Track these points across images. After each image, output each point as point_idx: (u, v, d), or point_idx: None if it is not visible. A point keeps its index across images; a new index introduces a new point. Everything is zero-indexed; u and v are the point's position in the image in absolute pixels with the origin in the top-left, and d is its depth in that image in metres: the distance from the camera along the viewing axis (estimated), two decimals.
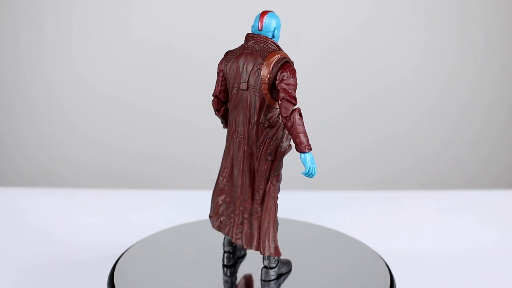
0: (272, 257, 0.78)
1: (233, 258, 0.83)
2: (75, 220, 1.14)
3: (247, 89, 0.75)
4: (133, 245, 0.90)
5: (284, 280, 0.80)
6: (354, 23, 1.50)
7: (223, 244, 0.83)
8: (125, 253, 0.87)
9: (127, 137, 1.53)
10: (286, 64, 0.74)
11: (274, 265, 0.78)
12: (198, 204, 1.12)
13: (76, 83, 1.50)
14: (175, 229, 0.97)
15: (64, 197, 1.27)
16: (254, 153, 0.76)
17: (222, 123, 0.83)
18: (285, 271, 0.81)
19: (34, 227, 1.10)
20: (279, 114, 0.75)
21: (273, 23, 0.76)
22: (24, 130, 1.53)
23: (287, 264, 0.82)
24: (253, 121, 0.75)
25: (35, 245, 1.02)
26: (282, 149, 0.77)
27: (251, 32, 0.77)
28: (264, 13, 0.76)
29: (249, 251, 0.86)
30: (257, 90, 0.74)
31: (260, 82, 0.74)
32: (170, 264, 0.84)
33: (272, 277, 0.79)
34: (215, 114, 0.81)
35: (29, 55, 1.48)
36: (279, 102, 0.72)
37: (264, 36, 0.75)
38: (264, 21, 0.76)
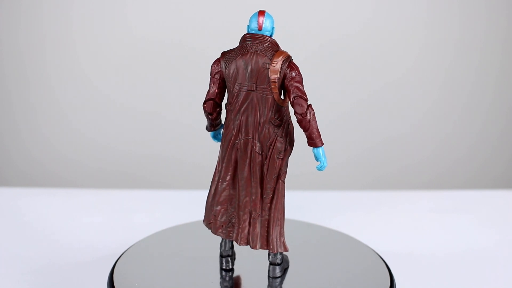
0: (278, 253, 0.79)
1: (231, 262, 0.83)
2: (75, 220, 1.14)
3: (256, 89, 0.75)
4: (133, 245, 0.90)
5: (284, 280, 0.80)
6: (355, 23, 1.50)
7: (222, 249, 0.82)
8: (125, 253, 0.87)
9: (127, 137, 1.53)
10: (291, 62, 0.75)
11: (280, 261, 0.80)
12: (198, 204, 1.12)
13: (76, 83, 1.50)
14: (175, 229, 0.97)
15: (64, 197, 1.27)
16: (264, 152, 0.76)
17: (211, 126, 0.82)
18: (286, 266, 0.83)
19: (34, 227, 1.10)
20: (284, 112, 0.77)
21: (270, 22, 0.77)
22: (24, 130, 1.53)
23: (286, 260, 0.83)
24: (262, 121, 0.76)
25: (35, 245, 1.02)
26: (290, 147, 0.78)
27: (247, 32, 0.77)
28: (261, 13, 0.77)
29: (239, 252, 0.86)
30: (267, 90, 0.75)
31: (270, 82, 0.74)
32: (169, 264, 0.84)
33: (279, 274, 0.80)
34: (208, 117, 0.80)
35: (29, 55, 1.48)
36: (293, 100, 0.74)
37: (265, 36, 0.76)
38: (263, 21, 0.76)
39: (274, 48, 0.76)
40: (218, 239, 0.85)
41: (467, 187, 1.56)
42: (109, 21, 1.48)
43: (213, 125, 0.81)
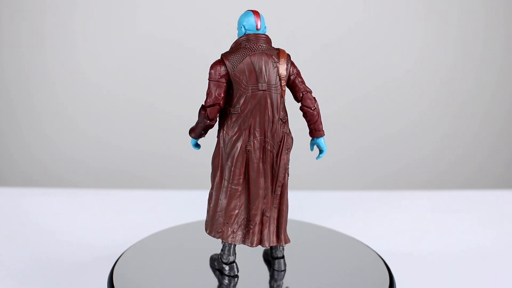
0: (282, 247, 0.81)
1: (237, 268, 0.81)
2: (75, 220, 1.14)
3: (266, 89, 0.75)
4: (133, 245, 0.90)
5: (283, 280, 0.80)
6: (350, 22, 1.50)
7: (227, 255, 0.80)
8: (125, 253, 0.87)
9: (127, 137, 1.53)
10: (291, 60, 0.77)
11: (283, 253, 0.82)
12: (198, 204, 1.12)
13: (76, 82, 1.50)
14: (175, 229, 0.98)
15: (64, 197, 1.27)
16: (274, 150, 0.77)
17: (204, 132, 0.79)
18: None
19: (34, 227, 1.10)
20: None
21: (263, 21, 0.78)
22: (24, 130, 1.53)
23: None
24: (275, 119, 0.76)
25: (35, 245, 1.02)
26: (292, 141, 0.79)
27: (244, 33, 0.77)
28: (256, 13, 0.77)
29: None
30: (277, 88, 0.76)
31: (280, 80, 0.76)
32: (169, 264, 0.84)
33: (284, 267, 0.82)
34: (207, 123, 0.77)
35: (30, 53, 1.49)
36: (302, 96, 0.78)
37: (263, 34, 0.77)
38: (260, 21, 0.77)
39: (273, 47, 0.77)
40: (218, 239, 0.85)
41: (467, 187, 1.56)
42: (111, 20, 1.48)
43: (206, 131, 0.79)
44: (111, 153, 1.53)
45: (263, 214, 0.78)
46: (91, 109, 1.52)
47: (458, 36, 1.53)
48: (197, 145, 0.82)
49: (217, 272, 0.81)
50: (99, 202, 1.25)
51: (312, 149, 0.82)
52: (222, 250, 0.81)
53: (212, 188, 0.80)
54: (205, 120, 0.77)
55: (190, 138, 0.81)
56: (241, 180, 0.77)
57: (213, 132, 0.81)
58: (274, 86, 0.75)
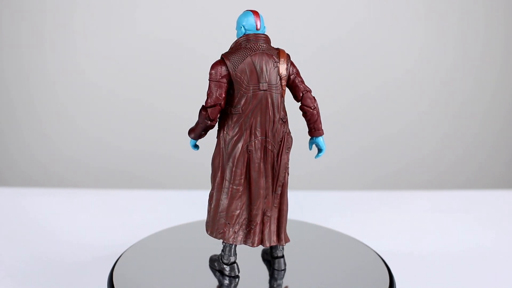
0: (282, 246, 0.81)
1: (238, 268, 0.81)
2: (75, 220, 1.14)
3: (267, 88, 0.75)
4: (133, 245, 0.90)
5: (283, 280, 0.81)
6: (350, 22, 1.50)
7: (228, 255, 0.80)
8: (125, 253, 0.87)
9: (127, 137, 1.53)
10: (291, 60, 0.77)
11: (283, 253, 0.83)
12: (198, 204, 1.12)
13: (76, 82, 1.50)
14: (175, 229, 0.98)
15: (64, 197, 1.27)
16: (275, 150, 0.77)
17: (205, 133, 0.79)
18: None
19: (34, 227, 1.10)
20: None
21: (263, 21, 0.78)
22: (24, 130, 1.53)
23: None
24: (276, 119, 0.76)
25: (35, 245, 1.02)
26: (292, 141, 0.79)
27: (244, 33, 0.77)
28: (256, 13, 0.77)
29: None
30: (278, 88, 0.76)
31: (281, 80, 0.76)
32: (169, 264, 0.84)
33: (284, 266, 0.82)
34: (208, 124, 0.77)
35: (30, 53, 1.49)
36: (303, 95, 0.78)
37: (263, 34, 0.77)
38: (260, 21, 0.77)
39: (273, 46, 0.77)
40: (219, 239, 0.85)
41: (467, 187, 1.56)
42: (111, 20, 1.48)
43: (206, 132, 0.79)
44: (111, 153, 1.53)
45: (264, 214, 0.78)
46: (91, 109, 1.52)
47: (458, 36, 1.53)
48: (196, 146, 0.82)
49: (217, 273, 0.81)
50: (99, 202, 1.25)
51: (311, 148, 0.82)
52: (222, 250, 0.81)
53: (212, 189, 0.80)
54: (206, 120, 0.77)
55: (189, 138, 0.81)
56: (242, 180, 0.77)
57: (212, 132, 0.81)
58: (274, 86, 0.76)
